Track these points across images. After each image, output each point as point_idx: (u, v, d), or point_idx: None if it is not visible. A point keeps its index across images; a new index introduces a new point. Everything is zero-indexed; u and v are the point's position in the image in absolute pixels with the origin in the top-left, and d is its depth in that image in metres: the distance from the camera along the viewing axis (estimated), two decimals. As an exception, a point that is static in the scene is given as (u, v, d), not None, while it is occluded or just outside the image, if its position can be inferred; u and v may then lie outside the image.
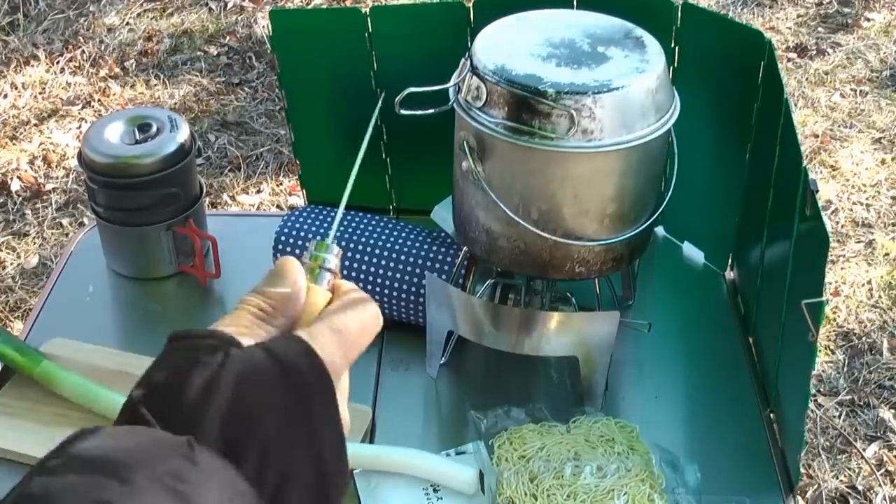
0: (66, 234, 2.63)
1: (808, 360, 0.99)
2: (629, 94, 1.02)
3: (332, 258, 0.71)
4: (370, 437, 1.15)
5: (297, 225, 1.27)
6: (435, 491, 1.07)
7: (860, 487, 1.98)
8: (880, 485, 1.98)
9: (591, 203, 1.07)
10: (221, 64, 3.35)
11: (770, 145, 1.14)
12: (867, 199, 2.74)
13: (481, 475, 1.07)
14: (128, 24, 3.56)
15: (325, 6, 3.61)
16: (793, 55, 3.37)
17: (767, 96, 1.17)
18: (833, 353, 2.27)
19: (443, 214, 1.24)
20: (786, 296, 1.08)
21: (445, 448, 1.12)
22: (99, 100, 3.15)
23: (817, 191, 0.98)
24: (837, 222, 2.63)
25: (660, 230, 1.43)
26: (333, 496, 0.57)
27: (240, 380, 0.55)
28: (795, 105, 3.04)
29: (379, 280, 1.23)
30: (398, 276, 1.23)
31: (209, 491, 0.49)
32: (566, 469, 1.04)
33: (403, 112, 1.07)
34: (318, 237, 0.69)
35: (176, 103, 3.14)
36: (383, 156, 1.40)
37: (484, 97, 1.04)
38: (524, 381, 1.23)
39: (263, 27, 3.47)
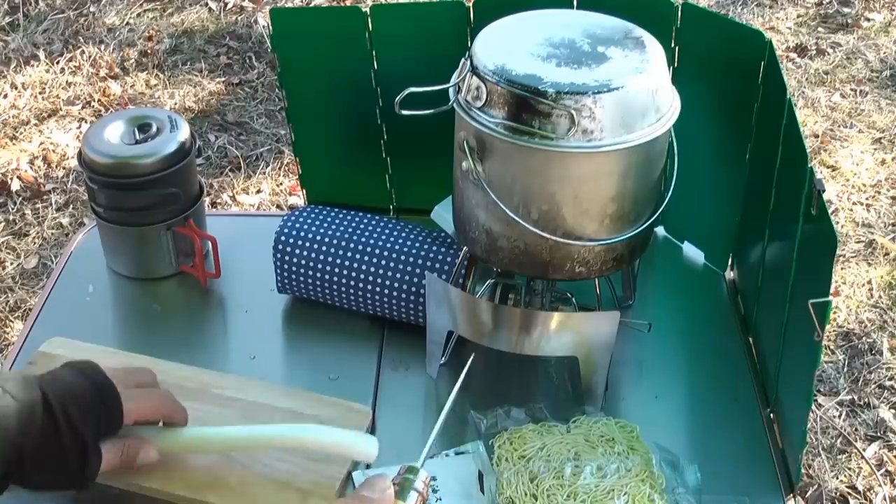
0: (66, 234, 2.63)
1: (812, 360, 0.99)
2: (629, 94, 1.02)
3: (420, 481, 0.90)
4: (370, 437, 1.15)
5: (297, 225, 1.27)
6: (434, 491, 1.07)
7: (860, 487, 1.98)
8: (880, 485, 1.98)
9: (591, 203, 1.07)
10: (221, 64, 3.36)
11: (771, 145, 1.14)
12: (867, 199, 2.74)
13: (481, 475, 1.07)
14: (128, 24, 3.56)
15: (325, 5, 3.61)
16: (793, 55, 3.37)
17: (768, 96, 1.17)
18: (833, 353, 2.27)
19: (443, 214, 1.24)
20: (788, 296, 1.08)
21: (445, 448, 1.12)
22: (99, 100, 3.15)
23: (824, 190, 0.98)
24: (837, 222, 2.63)
25: (660, 230, 1.43)
26: None
27: None
28: (795, 105, 3.04)
29: (379, 280, 1.23)
30: (398, 276, 1.23)
31: None
32: (566, 469, 1.04)
33: (403, 112, 1.07)
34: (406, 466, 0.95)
35: (176, 103, 3.14)
36: (383, 156, 1.40)
37: (484, 97, 1.04)
38: (524, 381, 1.23)
39: (263, 27, 3.47)
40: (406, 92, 1.06)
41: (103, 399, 0.96)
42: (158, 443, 1.01)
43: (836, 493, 1.97)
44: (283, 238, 1.27)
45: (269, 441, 1.03)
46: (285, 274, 1.28)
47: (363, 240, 1.24)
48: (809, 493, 1.97)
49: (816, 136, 2.95)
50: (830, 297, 0.94)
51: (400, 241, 1.24)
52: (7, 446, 0.89)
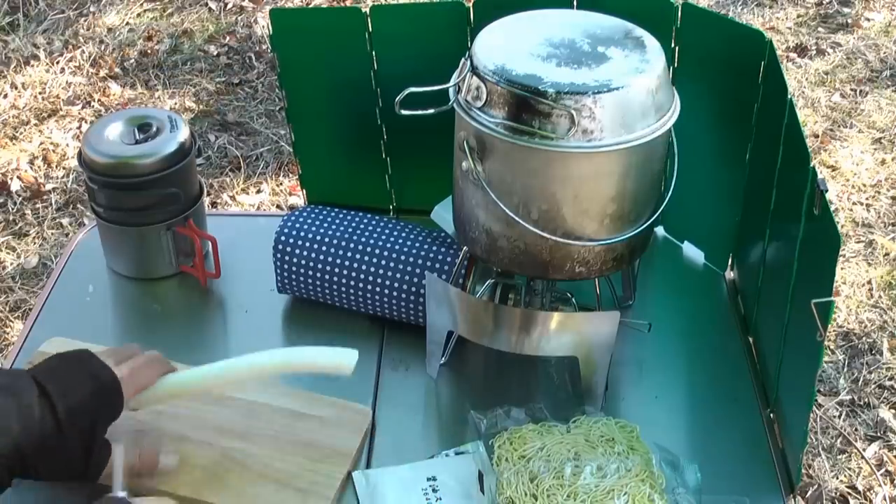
0: (66, 234, 2.63)
1: (813, 360, 0.99)
2: (629, 94, 1.02)
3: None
4: (370, 437, 1.15)
5: (297, 225, 1.27)
6: (434, 491, 1.07)
7: (860, 487, 1.98)
8: (880, 485, 1.98)
9: (591, 203, 1.07)
10: (221, 64, 3.35)
11: (771, 145, 1.14)
12: (867, 199, 2.74)
13: (481, 475, 1.07)
14: (128, 24, 3.56)
15: (325, 6, 3.61)
16: (793, 55, 3.37)
17: (768, 96, 1.17)
18: (833, 353, 2.27)
19: (443, 214, 1.24)
20: (790, 295, 1.08)
21: (445, 448, 1.12)
22: (99, 100, 3.15)
23: (826, 190, 0.98)
24: (837, 222, 2.63)
25: (660, 230, 1.43)
26: None
27: None
28: (795, 105, 3.04)
29: (379, 280, 1.23)
30: (398, 276, 1.23)
31: None
32: (566, 469, 1.04)
33: (403, 112, 1.07)
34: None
35: (176, 103, 3.14)
36: (383, 156, 1.40)
37: (484, 97, 1.04)
38: (524, 381, 1.23)
39: (263, 27, 3.47)
40: (406, 92, 1.06)
41: (104, 389, 0.97)
42: (159, 392, 1.06)
43: (836, 493, 1.97)
44: (283, 238, 1.27)
45: (253, 370, 1.08)
46: (285, 274, 1.28)
47: (363, 240, 1.24)
48: (809, 493, 1.97)
49: (816, 136, 2.95)
50: (833, 297, 0.94)
51: (400, 241, 1.24)
52: (10, 446, 0.89)
